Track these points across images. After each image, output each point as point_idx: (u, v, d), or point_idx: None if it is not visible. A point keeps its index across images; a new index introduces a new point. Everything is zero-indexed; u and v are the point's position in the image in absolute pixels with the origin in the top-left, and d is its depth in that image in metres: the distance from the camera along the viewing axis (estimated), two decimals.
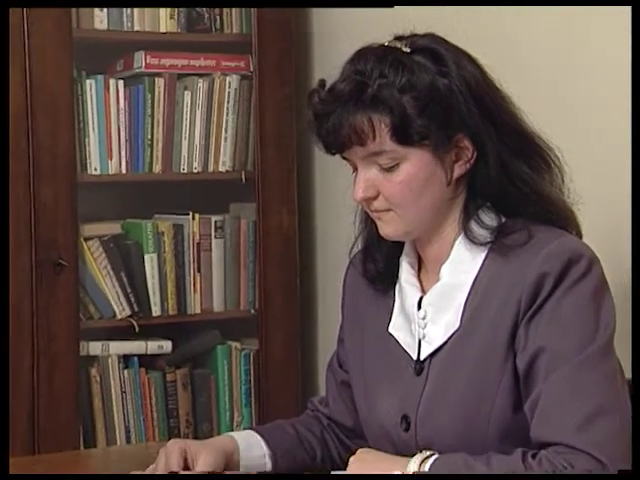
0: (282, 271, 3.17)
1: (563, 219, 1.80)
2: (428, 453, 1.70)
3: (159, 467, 1.89)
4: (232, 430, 3.12)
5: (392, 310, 1.87)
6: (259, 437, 1.96)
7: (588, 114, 2.47)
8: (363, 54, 1.77)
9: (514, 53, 2.64)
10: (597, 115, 2.45)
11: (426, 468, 1.68)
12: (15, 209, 2.85)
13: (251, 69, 3.14)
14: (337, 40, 3.14)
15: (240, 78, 3.14)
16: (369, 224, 1.89)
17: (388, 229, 1.80)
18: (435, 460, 1.68)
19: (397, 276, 1.88)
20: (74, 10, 2.94)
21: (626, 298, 1.89)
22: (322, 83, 1.79)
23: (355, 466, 1.73)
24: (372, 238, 1.89)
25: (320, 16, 3.25)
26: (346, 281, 2.01)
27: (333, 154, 1.79)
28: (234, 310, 3.15)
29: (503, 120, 1.78)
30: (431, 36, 1.81)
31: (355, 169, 1.79)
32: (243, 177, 3.14)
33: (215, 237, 3.15)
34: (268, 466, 1.95)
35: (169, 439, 2.94)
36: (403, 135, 1.72)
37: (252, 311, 3.14)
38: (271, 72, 3.14)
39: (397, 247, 1.88)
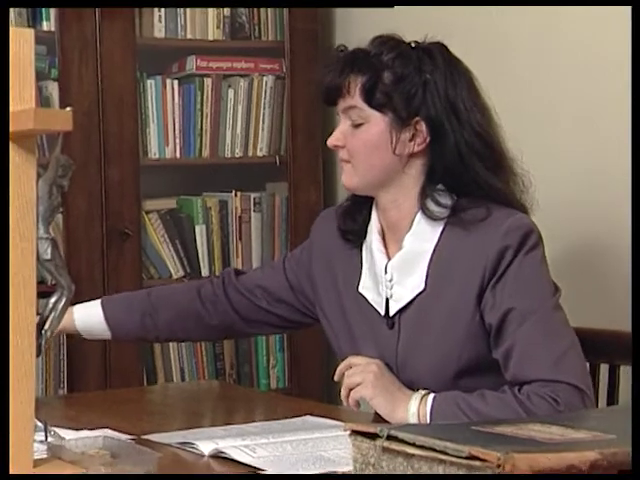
0: None
1: (510, 206, 1.78)
2: (424, 392, 1.71)
3: None
4: (268, 373, 3.14)
5: (360, 272, 1.86)
6: (100, 310, 2.00)
7: (588, 114, 2.37)
8: (376, 38, 1.82)
9: (514, 53, 2.52)
10: (597, 115, 2.34)
11: (427, 407, 1.69)
12: (88, 187, 2.85)
13: (284, 71, 3.14)
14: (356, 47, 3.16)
15: (275, 78, 3.14)
16: (357, 200, 1.89)
17: (345, 178, 1.83)
18: (434, 399, 1.69)
19: (364, 239, 1.87)
20: (137, 21, 2.95)
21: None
22: (335, 50, 1.85)
23: (376, 380, 1.72)
24: (359, 202, 1.88)
25: (342, 26, 3.22)
26: (319, 227, 1.98)
27: (329, 105, 1.84)
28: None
29: (470, 123, 1.77)
30: (438, 43, 1.82)
31: None
32: (277, 160, 3.14)
33: (254, 211, 3.14)
34: (107, 334, 2.01)
35: (217, 378, 3.02)
36: (369, 95, 1.75)
37: None
38: (300, 73, 3.13)
39: (369, 214, 1.88)
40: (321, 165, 3.17)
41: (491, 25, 2.59)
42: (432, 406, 1.69)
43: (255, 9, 3.13)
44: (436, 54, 1.79)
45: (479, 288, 1.73)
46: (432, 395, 1.70)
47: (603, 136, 2.36)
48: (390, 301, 1.80)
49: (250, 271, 2.15)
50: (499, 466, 1.07)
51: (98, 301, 2.03)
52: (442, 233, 1.78)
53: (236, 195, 3.13)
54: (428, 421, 1.68)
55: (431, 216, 1.78)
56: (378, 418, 1.76)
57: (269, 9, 3.14)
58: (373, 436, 1.22)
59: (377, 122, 1.77)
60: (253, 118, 3.13)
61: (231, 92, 3.10)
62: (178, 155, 3.04)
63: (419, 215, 1.79)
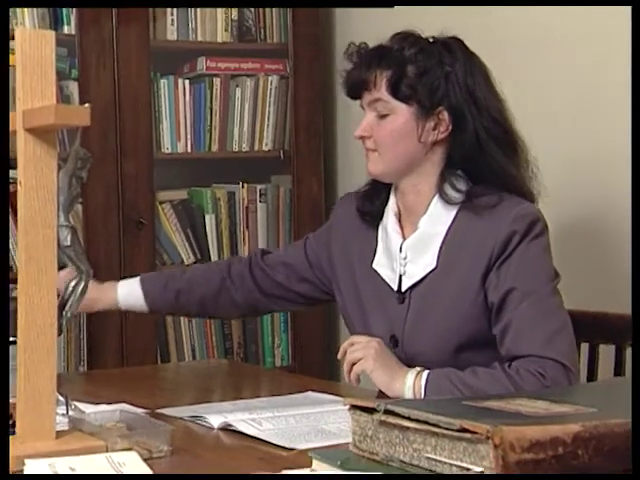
0: (311, 227, 3.10)
1: (522, 194, 1.79)
2: (419, 369, 1.71)
3: None
4: (273, 352, 3.14)
5: (375, 250, 1.87)
6: (139, 288, 2.02)
7: (587, 113, 2.31)
8: (395, 34, 1.82)
9: (514, 52, 2.46)
10: (597, 114, 2.28)
11: (422, 381, 1.69)
12: (105, 179, 2.85)
13: (287, 71, 3.13)
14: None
15: (279, 78, 3.13)
16: (376, 185, 1.89)
17: (371, 166, 1.83)
18: (428, 374, 1.69)
19: (381, 220, 1.88)
20: (151, 24, 2.94)
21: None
22: (358, 46, 1.84)
23: (377, 355, 1.71)
24: (378, 187, 1.90)
25: (342, 28, 3.22)
26: (339, 209, 1.99)
27: (352, 98, 1.84)
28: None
29: (488, 111, 1.79)
30: (456, 39, 1.83)
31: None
32: (281, 155, 3.13)
33: (259, 202, 3.13)
34: (145, 309, 2.03)
35: (225, 357, 3.02)
36: (395, 88, 1.76)
37: None
38: (303, 74, 3.13)
39: (388, 199, 1.89)
40: (322, 159, 3.17)
41: (491, 25, 2.54)
42: (427, 380, 1.69)
43: (261, 13, 3.12)
44: (454, 47, 1.80)
45: (485, 268, 1.73)
46: (427, 371, 1.70)
47: (603, 130, 2.32)
48: (403, 278, 1.81)
49: (275, 250, 2.15)
50: (488, 438, 1.07)
51: (138, 279, 2.05)
52: (456, 217, 1.79)
53: (243, 187, 3.12)
54: (422, 394, 1.68)
55: (447, 200, 1.79)
56: (382, 395, 1.76)
57: (274, 13, 3.13)
58: (371, 410, 1.22)
59: (403, 113, 1.78)
60: (259, 115, 3.12)
61: (238, 91, 3.10)
62: (189, 149, 3.04)
63: (436, 198, 1.80)
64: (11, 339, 1.66)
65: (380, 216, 1.88)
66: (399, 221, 1.85)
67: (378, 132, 1.79)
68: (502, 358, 1.70)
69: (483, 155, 1.78)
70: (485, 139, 1.77)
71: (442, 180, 1.80)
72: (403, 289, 1.81)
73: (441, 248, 1.78)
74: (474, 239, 1.75)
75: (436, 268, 1.78)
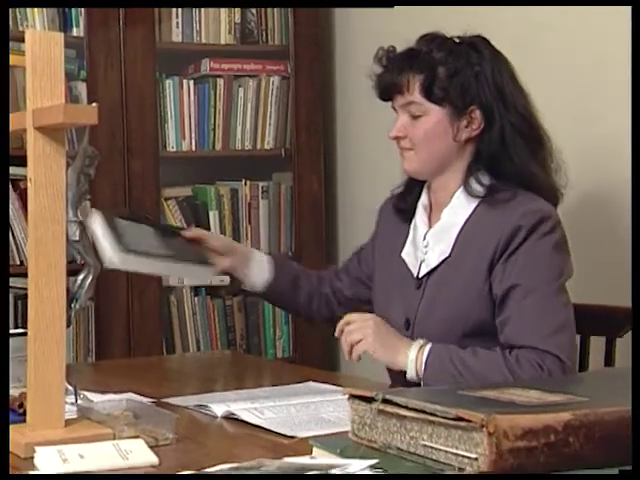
0: (311, 223, 3.16)
1: (539, 191, 1.78)
2: (422, 342, 1.72)
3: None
4: (275, 344, 3.14)
5: (405, 241, 1.89)
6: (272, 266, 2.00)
7: (587, 113, 2.27)
8: (423, 36, 1.81)
9: (513, 52, 2.35)
10: (597, 114, 2.24)
11: (424, 356, 1.70)
12: (112, 177, 2.85)
13: (289, 72, 3.12)
14: (355, 50, 3.12)
15: (280, 79, 3.12)
16: (409, 183, 1.92)
17: (408, 165, 1.83)
18: (430, 349, 1.70)
19: (414, 215, 1.90)
20: (157, 27, 2.94)
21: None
22: (387, 50, 1.83)
23: (375, 334, 1.72)
24: (410, 188, 1.92)
25: (341, 30, 3.21)
26: (382, 214, 2.02)
27: (385, 100, 1.83)
28: (276, 253, 3.12)
29: (515, 107, 1.78)
30: (481, 37, 1.82)
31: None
32: (283, 153, 3.12)
33: (261, 198, 3.13)
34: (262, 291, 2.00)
35: (228, 349, 3.02)
36: (428, 91, 1.75)
37: (289, 254, 3.13)
38: (304, 74, 3.12)
39: (419, 195, 1.90)
40: (322, 158, 3.16)
41: (491, 25, 2.45)
42: (428, 355, 1.69)
43: (263, 16, 3.12)
44: (480, 47, 1.80)
45: (490, 260, 1.73)
46: (429, 345, 1.70)
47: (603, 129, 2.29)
48: (422, 265, 1.82)
49: (343, 264, 2.17)
50: (482, 426, 1.06)
51: (273, 264, 2.02)
52: (475, 209, 1.79)
53: (246, 184, 3.12)
54: (423, 369, 1.69)
55: (471, 193, 1.79)
56: (392, 373, 1.77)
57: (275, 16, 3.13)
58: (369, 400, 1.22)
59: (436, 114, 1.77)
60: (261, 115, 3.11)
61: (241, 91, 3.09)
62: (193, 148, 3.03)
63: (460, 191, 1.81)
64: (21, 330, 1.66)
65: (413, 211, 1.90)
66: (428, 213, 1.87)
67: (413, 132, 1.79)
68: (501, 345, 1.70)
69: (507, 150, 1.78)
70: (511, 135, 1.77)
71: (469, 174, 1.80)
72: (420, 275, 1.82)
73: (457, 238, 1.79)
74: (484, 231, 1.76)
75: (449, 257, 1.79)
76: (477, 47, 1.79)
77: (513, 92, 1.79)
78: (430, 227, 1.84)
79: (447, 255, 1.79)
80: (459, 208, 1.80)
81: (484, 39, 1.82)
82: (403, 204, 1.93)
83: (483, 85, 1.76)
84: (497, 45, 1.82)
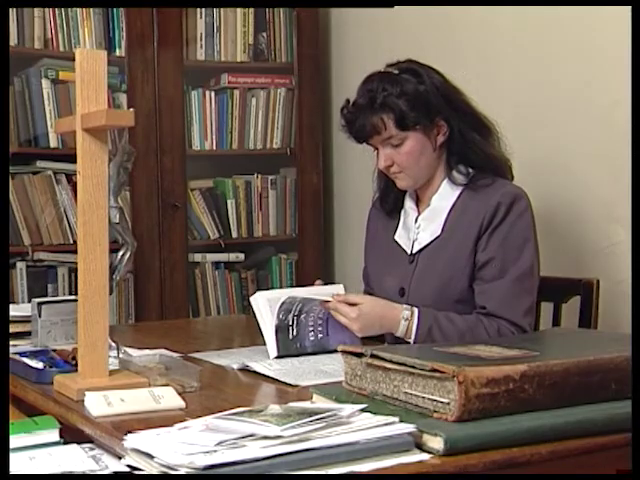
0: (312, 211, 3.14)
1: (503, 168, 1.80)
2: (407, 315, 1.68)
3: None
4: None
5: (396, 226, 1.87)
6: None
7: (587, 112, 2.10)
8: (369, 78, 1.76)
9: (513, 52, 2.25)
10: (596, 113, 2.07)
11: (415, 318, 1.68)
12: (147, 171, 2.83)
13: (293, 84, 3.10)
14: (348, 67, 3.10)
15: (286, 90, 3.10)
16: (383, 181, 1.88)
17: (402, 183, 1.81)
18: (417, 330, 1.67)
19: (402, 206, 1.88)
20: (185, 48, 2.91)
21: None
22: (348, 101, 1.78)
23: (364, 319, 1.67)
24: (386, 189, 1.89)
25: (337, 50, 3.17)
26: (370, 216, 1.98)
27: (360, 143, 1.78)
28: (282, 235, 3.12)
29: (461, 106, 1.77)
30: (409, 60, 1.79)
31: (375, 149, 1.78)
32: (288, 152, 3.10)
33: (271, 189, 3.11)
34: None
35: (243, 313, 3.01)
36: (402, 124, 1.72)
37: (293, 235, 3.12)
38: (306, 87, 3.10)
39: (400, 193, 1.88)
40: (321, 156, 3.14)
41: (490, 25, 2.34)
42: (419, 315, 1.68)
43: (272, 38, 3.09)
44: (416, 68, 1.76)
45: (477, 233, 1.72)
46: (415, 325, 1.67)
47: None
48: (415, 243, 1.81)
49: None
50: (454, 376, 1.06)
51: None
52: (459, 195, 1.78)
53: (257, 177, 3.10)
54: (414, 332, 1.67)
55: (454, 181, 1.78)
56: (394, 339, 1.74)
57: (282, 38, 3.09)
58: (360, 355, 1.22)
59: (413, 137, 1.74)
60: (270, 120, 3.09)
61: (254, 100, 3.07)
62: (214, 147, 3.02)
63: (445, 181, 1.80)
64: (73, 297, 1.65)
65: (400, 205, 1.88)
66: (415, 201, 1.86)
67: (399, 158, 1.76)
68: (480, 308, 1.69)
69: (468, 144, 1.77)
70: (466, 130, 1.76)
71: (449, 168, 1.79)
72: (414, 251, 1.81)
73: (446, 219, 1.78)
74: (471, 210, 1.75)
75: (440, 235, 1.77)
76: (414, 70, 1.75)
77: (454, 94, 1.77)
78: (419, 212, 1.83)
79: (438, 234, 1.78)
80: (446, 194, 1.79)
81: (412, 60, 1.78)
82: (386, 205, 1.90)
83: (435, 97, 1.73)
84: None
